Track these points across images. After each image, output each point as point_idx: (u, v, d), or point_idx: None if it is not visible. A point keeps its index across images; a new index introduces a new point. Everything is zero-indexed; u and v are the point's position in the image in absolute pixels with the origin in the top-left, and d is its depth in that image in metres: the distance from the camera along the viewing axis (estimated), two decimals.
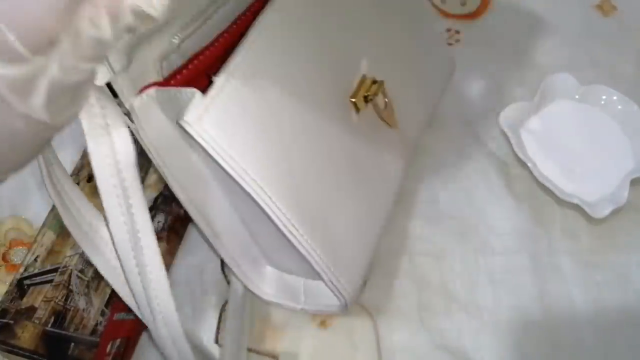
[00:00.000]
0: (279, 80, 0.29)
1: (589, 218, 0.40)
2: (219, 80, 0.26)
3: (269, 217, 0.27)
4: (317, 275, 0.31)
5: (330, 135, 0.32)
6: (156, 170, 0.30)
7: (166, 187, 0.34)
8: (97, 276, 0.35)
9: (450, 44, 0.50)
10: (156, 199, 0.38)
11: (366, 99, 0.34)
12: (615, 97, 0.45)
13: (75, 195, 0.29)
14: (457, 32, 0.50)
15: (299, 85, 0.30)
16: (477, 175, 0.43)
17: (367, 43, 0.36)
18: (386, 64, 0.37)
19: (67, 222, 0.29)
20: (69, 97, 0.18)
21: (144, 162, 0.30)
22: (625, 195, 0.40)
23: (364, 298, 0.38)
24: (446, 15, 0.51)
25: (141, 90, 0.25)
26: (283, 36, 0.29)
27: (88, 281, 0.35)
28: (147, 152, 0.27)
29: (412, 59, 0.40)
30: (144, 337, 0.37)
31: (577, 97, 0.46)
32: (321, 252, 0.30)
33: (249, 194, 0.27)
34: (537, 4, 0.52)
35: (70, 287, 0.35)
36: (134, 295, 0.28)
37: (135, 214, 0.25)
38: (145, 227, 0.25)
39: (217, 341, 0.36)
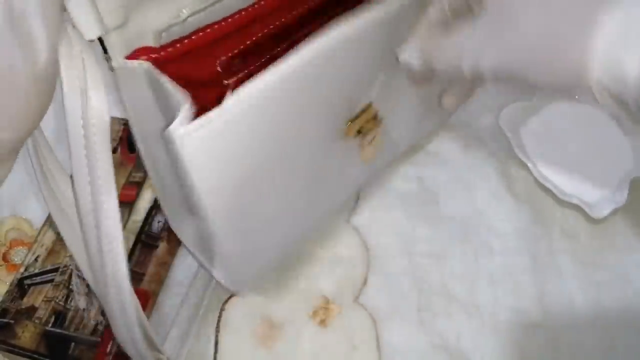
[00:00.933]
0: (280, 122, 0.28)
1: (588, 218, 0.40)
2: (226, 104, 0.25)
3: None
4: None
5: (307, 157, 0.32)
6: None
7: None
8: None
9: None
10: (157, 199, 0.38)
11: (359, 131, 0.33)
12: None
13: (51, 161, 0.29)
14: None
15: (299, 125, 0.29)
16: (477, 176, 0.43)
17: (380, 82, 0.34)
18: (392, 100, 0.36)
19: (43, 188, 0.29)
20: None
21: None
22: (624, 195, 0.40)
23: (363, 298, 0.38)
24: None
25: (134, 53, 0.24)
26: (302, 87, 0.28)
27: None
28: (123, 106, 0.27)
29: (420, 100, 0.40)
30: None
31: (576, 97, 0.46)
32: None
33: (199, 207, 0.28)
34: None
35: (71, 286, 0.35)
36: (90, 259, 0.27)
37: (100, 177, 0.25)
38: (109, 192, 0.25)
39: (216, 342, 0.36)
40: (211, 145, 0.25)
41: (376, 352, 0.36)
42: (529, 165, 0.41)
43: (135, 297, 0.27)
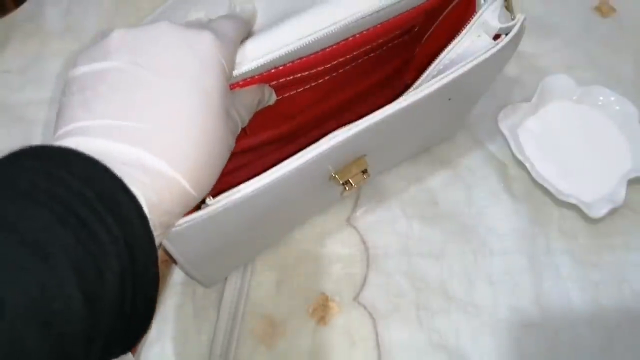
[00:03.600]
0: (262, 206, 0.29)
1: (586, 218, 0.40)
2: (211, 207, 0.25)
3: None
4: None
5: (288, 207, 0.33)
6: None
7: None
8: None
9: None
10: None
11: (345, 183, 0.33)
12: (613, 98, 0.45)
13: None
14: None
15: (287, 194, 0.30)
16: (476, 176, 0.43)
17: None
18: (385, 149, 0.36)
19: None
20: None
21: None
22: (622, 195, 0.40)
23: (362, 296, 0.38)
24: None
25: None
26: (299, 176, 0.28)
27: None
28: None
29: (420, 136, 0.40)
30: (145, 335, 0.37)
31: (575, 98, 0.46)
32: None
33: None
34: (536, 5, 0.52)
35: None
36: None
37: None
38: None
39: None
40: (190, 232, 0.26)
41: (375, 350, 0.37)
42: (527, 165, 0.42)
43: None
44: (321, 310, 0.38)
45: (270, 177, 0.26)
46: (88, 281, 0.17)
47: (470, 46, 0.30)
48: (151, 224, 0.19)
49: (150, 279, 0.19)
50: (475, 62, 0.29)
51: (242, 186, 0.26)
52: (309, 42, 0.26)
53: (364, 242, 0.41)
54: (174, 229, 0.24)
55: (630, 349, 0.37)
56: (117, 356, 0.21)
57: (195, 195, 0.21)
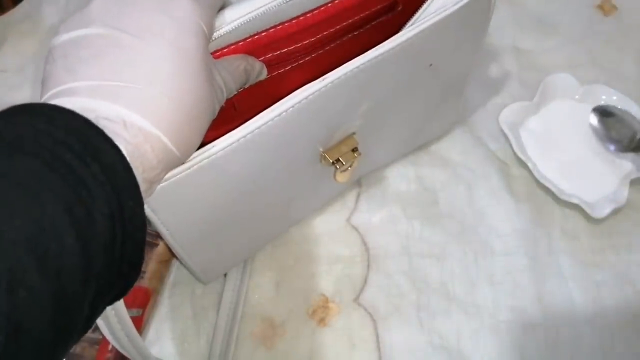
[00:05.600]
0: (246, 170, 0.28)
1: (588, 218, 0.40)
2: (190, 163, 0.25)
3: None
4: None
5: (277, 185, 0.33)
6: None
7: None
8: None
9: None
10: None
11: (335, 162, 0.33)
12: (615, 97, 0.45)
13: None
14: None
15: (268, 166, 0.30)
16: (477, 176, 0.43)
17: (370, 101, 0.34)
18: (376, 130, 0.36)
19: None
20: None
21: None
22: (625, 195, 0.40)
23: (363, 297, 0.38)
24: None
25: None
26: (282, 133, 0.28)
27: None
28: None
29: (411, 122, 0.40)
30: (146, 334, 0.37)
31: (577, 97, 0.46)
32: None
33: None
34: (537, 4, 0.52)
35: None
36: None
37: None
38: None
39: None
40: (172, 194, 0.26)
41: (375, 351, 0.36)
42: (529, 165, 0.41)
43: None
44: (321, 312, 0.38)
45: (246, 130, 0.26)
46: (79, 222, 0.17)
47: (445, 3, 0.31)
48: (135, 175, 0.20)
49: (139, 225, 0.20)
50: (446, 13, 0.30)
51: (218, 140, 0.26)
52: (284, 1, 0.27)
53: (364, 243, 0.40)
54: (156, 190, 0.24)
55: (631, 349, 0.37)
56: (109, 304, 0.21)
57: (179, 155, 0.22)
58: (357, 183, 0.43)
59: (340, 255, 0.40)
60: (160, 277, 0.38)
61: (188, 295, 0.38)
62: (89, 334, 0.34)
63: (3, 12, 0.49)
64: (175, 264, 0.39)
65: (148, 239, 0.37)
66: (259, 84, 0.29)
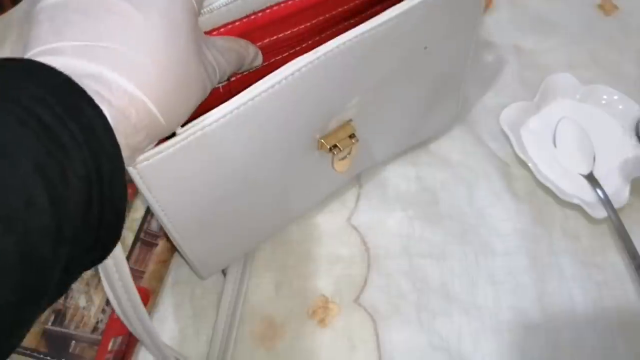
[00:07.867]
0: (239, 147, 0.28)
1: (589, 218, 0.40)
2: (182, 135, 0.25)
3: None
4: None
5: (273, 172, 0.32)
6: None
7: None
8: (97, 274, 0.35)
9: None
10: None
11: (332, 148, 0.33)
12: (616, 97, 0.45)
13: None
14: None
15: (263, 145, 0.29)
16: (478, 176, 0.43)
17: (365, 88, 0.33)
18: (374, 118, 0.36)
19: None
20: None
21: None
22: (625, 195, 0.40)
23: (363, 297, 0.38)
24: None
25: None
26: (274, 106, 0.28)
27: (87, 279, 0.35)
28: None
29: (409, 113, 0.39)
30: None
31: (577, 96, 0.46)
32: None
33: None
34: (538, 3, 0.52)
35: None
36: None
37: None
38: None
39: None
40: (165, 170, 0.25)
41: (376, 352, 0.36)
42: (530, 165, 0.41)
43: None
44: (321, 312, 0.38)
45: (238, 101, 0.26)
46: (50, 182, 0.17)
47: None
48: (117, 139, 0.19)
49: (118, 190, 0.20)
50: None
51: (210, 112, 0.25)
52: None
53: (364, 243, 0.40)
54: (145, 162, 0.24)
55: (632, 350, 0.36)
56: (86, 268, 0.21)
57: (164, 123, 0.22)
58: (357, 183, 0.42)
59: (340, 255, 0.40)
60: (160, 277, 0.38)
61: (188, 295, 0.38)
62: (89, 335, 0.34)
63: (3, 12, 0.49)
64: (174, 264, 0.39)
65: (147, 239, 0.37)
66: (255, 72, 0.28)
